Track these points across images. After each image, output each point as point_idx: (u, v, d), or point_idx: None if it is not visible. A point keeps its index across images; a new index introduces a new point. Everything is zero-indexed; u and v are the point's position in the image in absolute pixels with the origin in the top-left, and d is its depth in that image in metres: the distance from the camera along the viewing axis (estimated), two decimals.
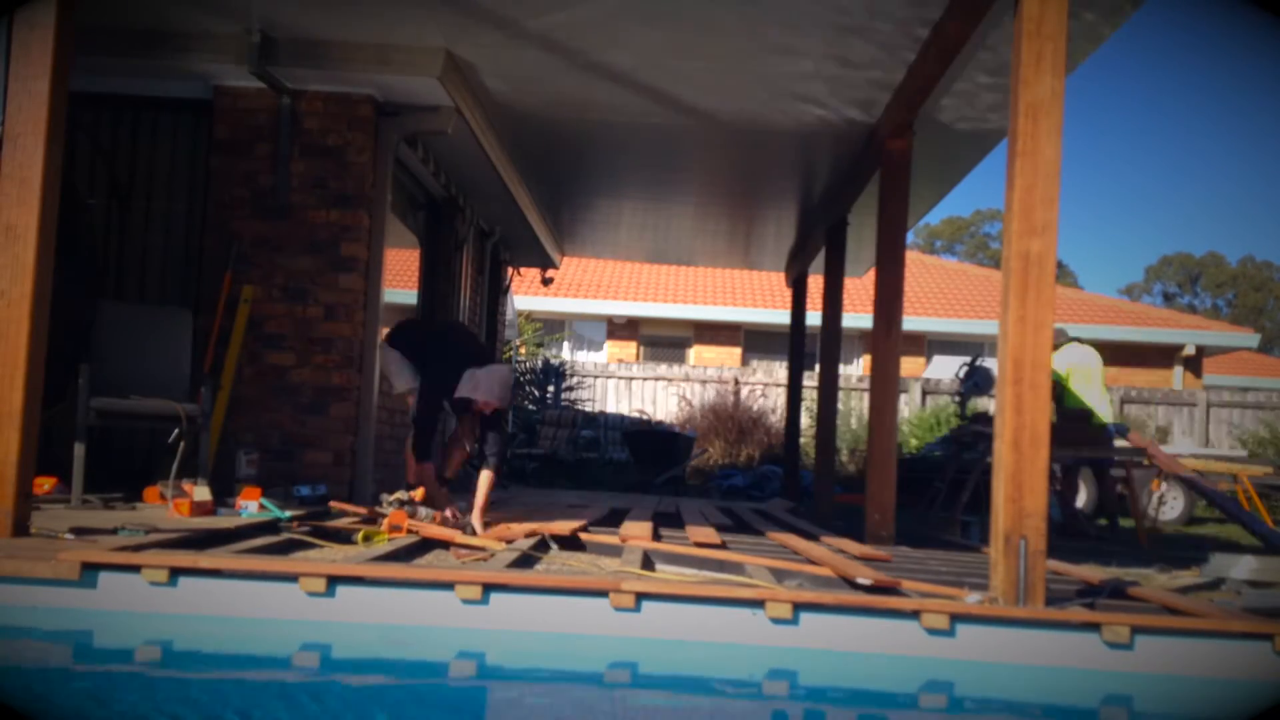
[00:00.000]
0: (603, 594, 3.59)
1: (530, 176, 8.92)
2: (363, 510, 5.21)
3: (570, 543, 5.08)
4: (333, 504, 5.40)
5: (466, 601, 3.58)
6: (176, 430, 5.37)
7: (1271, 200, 65.01)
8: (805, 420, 11.95)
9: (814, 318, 9.65)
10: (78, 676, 3.36)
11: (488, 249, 10.41)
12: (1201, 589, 4.94)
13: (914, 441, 14.83)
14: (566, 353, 19.99)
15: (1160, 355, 20.34)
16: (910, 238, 7.36)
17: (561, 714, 3.31)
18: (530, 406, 14.66)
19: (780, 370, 16.43)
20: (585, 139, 7.79)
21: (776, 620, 3.55)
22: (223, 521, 4.81)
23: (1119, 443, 9.11)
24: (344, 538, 4.56)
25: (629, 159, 8.46)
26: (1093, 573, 4.83)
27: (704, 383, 17.24)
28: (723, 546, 4.88)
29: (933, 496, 8.64)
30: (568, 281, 20.15)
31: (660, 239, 11.68)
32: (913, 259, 23.05)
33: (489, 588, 3.61)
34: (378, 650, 3.63)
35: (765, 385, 16.91)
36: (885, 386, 6.35)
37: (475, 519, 5.28)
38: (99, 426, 5.32)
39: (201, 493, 5.09)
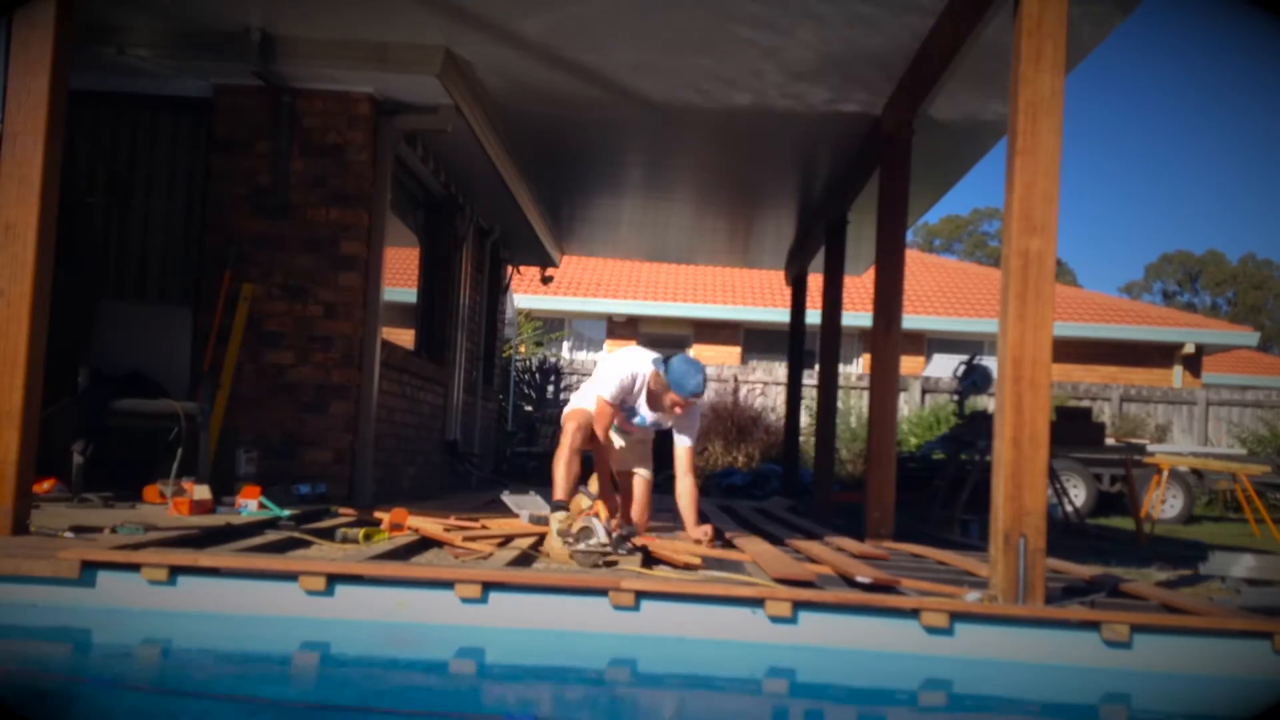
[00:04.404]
0: (602, 592, 3.59)
1: (530, 175, 8.92)
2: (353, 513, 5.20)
3: None
4: (340, 509, 5.40)
5: (466, 600, 3.58)
6: (176, 429, 5.37)
7: (1271, 199, 65.06)
8: (805, 419, 11.95)
9: (814, 316, 9.66)
10: (77, 675, 3.36)
11: (487, 247, 10.41)
12: (1187, 583, 4.95)
13: (913, 440, 14.84)
14: (566, 351, 19.99)
15: (1160, 354, 20.34)
16: (909, 236, 7.37)
17: (561, 712, 3.31)
18: (527, 407, 14.66)
19: (780, 369, 16.44)
20: (585, 137, 7.79)
21: (776, 619, 3.55)
22: (222, 520, 4.81)
23: (1109, 440, 9.15)
24: (343, 536, 4.55)
25: (629, 156, 8.47)
26: (1092, 572, 4.83)
27: None
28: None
29: (932, 495, 8.65)
30: (567, 280, 20.14)
31: (660, 237, 11.68)
32: (912, 257, 23.06)
33: (488, 586, 3.61)
34: (377, 649, 3.63)
35: (765, 384, 16.92)
36: (885, 385, 6.35)
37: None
38: (98, 425, 5.32)
39: (201, 491, 5.09)
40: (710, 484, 12.74)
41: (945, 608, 3.55)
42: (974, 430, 8.63)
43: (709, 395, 16.69)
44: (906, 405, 16.43)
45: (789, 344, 11.20)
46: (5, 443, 4.05)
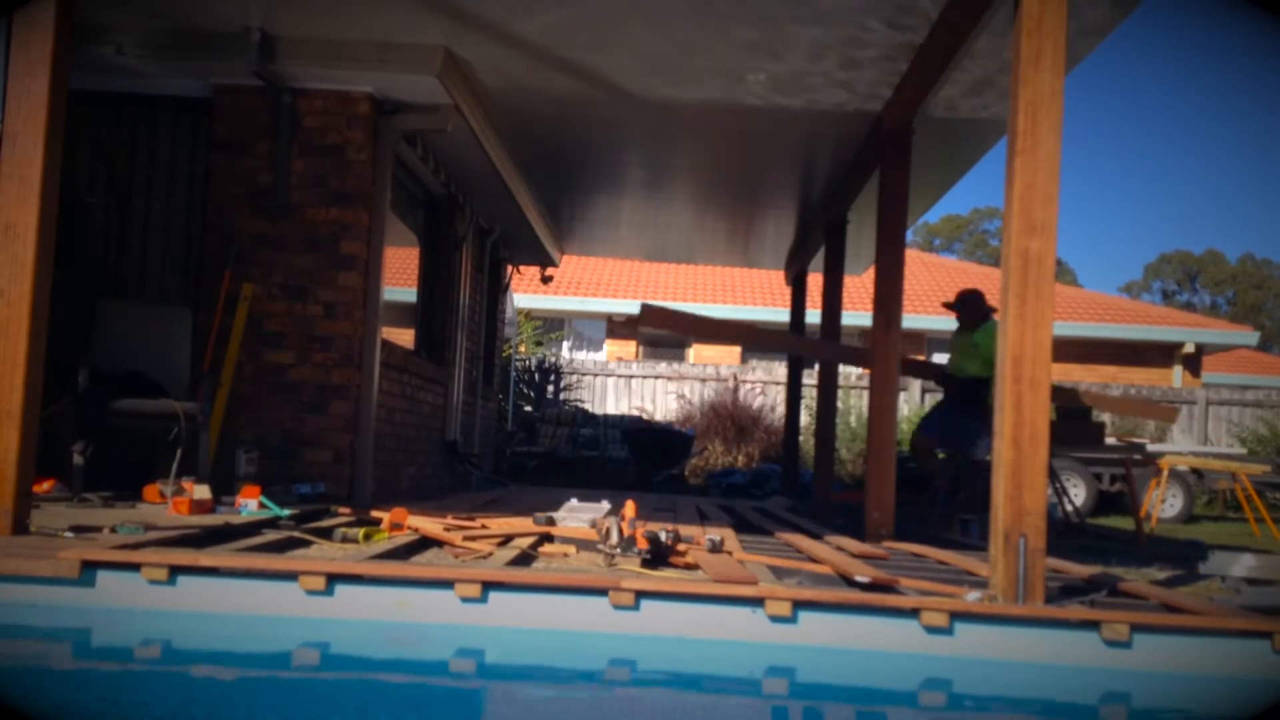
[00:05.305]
0: (602, 592, 3.59)
1: (530, 174, 8.92)
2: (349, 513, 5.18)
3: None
4: (340, 509, 5.39)
5: (466, 600, 3.58)
6: (176, 429, 5.37)
7: (1271, 199, 65.07)
8: (805, 418, 11.95)
9: (814, 316, 9.66)
10: (77, 675, 3.36)
11: (487, 247, 10.41)
12: (1187, 583, 4.95)
13: None
14: (566, 351, 19.99)
15: (1159, 353, 20.35)
16: (909, 236, 7.39)
17: (561, 712, 3.31)
18: (527, 408, 14.66)
19: (780, 368, 16.44)
20: (585, 136, 7.79)
21: (776, 618, 3.55)
22: (222, 520, 4.81)
23: (1109, 440, 9.17)
24: (343, 536, 4.55)
25: (629, 156, 8.47)
26: (1092, 571, 4.84)
27: (703, 381, 17.25)
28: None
29: (932, 495, 8.64)
30: (567, 279, 20.15)
31: (660, 237, 11.68)
32: (912, 257, 23.05)
33: (488, 586, 3.61)
34: (377, 648, 3.63)
35: (764, 383, 16.93)
36: (885, 385, 6.35)
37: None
38: (98, 425, 5.32)
39: (201, 491, 5.09)
40: (710, 484, 12.75)
41: (945, 607, 3.56)
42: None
43: (709, 394, 16.71)
44: (906, 405, 16.43)
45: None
46: (5, 443, 4.05)
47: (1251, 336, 21.62)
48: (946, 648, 3.54)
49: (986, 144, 7.18)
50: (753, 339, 13.65)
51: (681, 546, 4.53)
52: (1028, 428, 3.70)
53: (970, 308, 8.12)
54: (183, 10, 5.82)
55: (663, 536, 4.39)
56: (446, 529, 4.97)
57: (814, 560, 4.66)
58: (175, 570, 3.60)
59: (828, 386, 8.47)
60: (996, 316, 7.36)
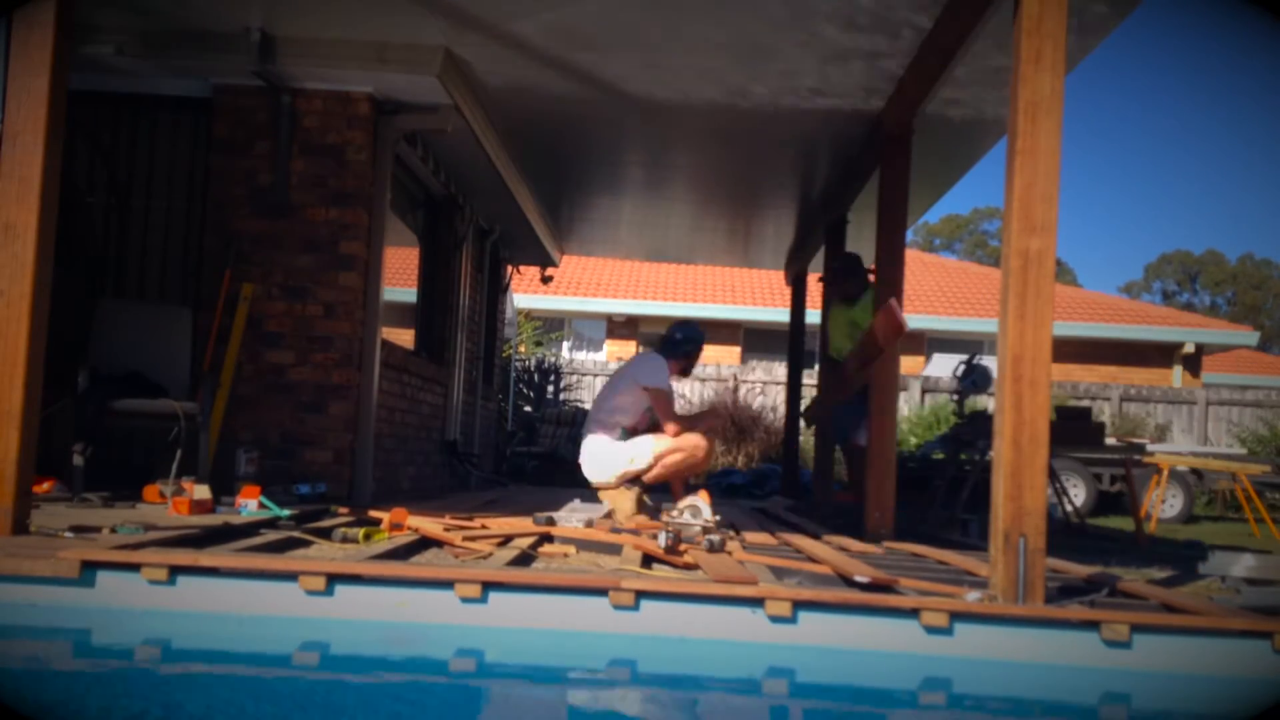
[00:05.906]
0: (602, 592, 3.59)
1: (530, 175, 8.92)
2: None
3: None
4: (340, 509, 5.39)
5: (466, 600, 3.58)
6: (176, 429, 5.37)
7: (1270, 198, 65.10)
8: None
9: (814, 316, 9.66)
10: (77, 675, 3.36)
11: (487, 247, 10.42)
12: (1186, 582, 4.95)
13: (913, 440, 14.85)
14: (566, 351, 20.00)
15: (1159, 353, 20.37)
16: (909, 235, 7.37)
17: (561, 712, 3.31)
18: (527, 408, 14.66)
19: (779, 368, 16.44)
20: (585, 136, 7.80)
21: (776, 618, 3.55)
22: (221, 520, 4.81)
23: (1109, 440, 9.14)
24: (343, 536, 4.55)
25: (629, 156, 8.47)
26: (1091, 571, 4.84)
27: (703, 381, 17.25)
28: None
29: (932, 495, 8.64)
30: (567, 280, 20.15)
31: (660, 237, 11.68)
32: (912, 257, 23.07)
33: (488, 586, 3.61)
34: (377, 648, 3.63)
35: (764, 383, 16.93)
36: (885, 385, 6.35)
37: None
38: (98, 425, 5.32)
39: (201, 491, 5.09)
40: (710, 484, 12.75)
41: (945, 607, 3.55)
42: (974, 430, 8.62)
43: (709, 394, 16.70)
44: (906, 405, 16.43)
45: (789, 344, 11.21)
46: (5, 442, 4.05)
47: (1251, 336, 21.63)
48: (946, 648, 3.54)
49: (986, 144, 7.18)
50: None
51: (682, 546, 4.53)
52: (1028, 428, 3.70)
53: (848, 276, 7.57)
54: (182, 10, 5.82)
55: (662, 538, 4.39)
56: (446, 529, 4.97)
57: (814, 560, 4.65)
58: (175, 570, 3.60)
59: (828, 387, 8.45)
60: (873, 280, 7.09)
